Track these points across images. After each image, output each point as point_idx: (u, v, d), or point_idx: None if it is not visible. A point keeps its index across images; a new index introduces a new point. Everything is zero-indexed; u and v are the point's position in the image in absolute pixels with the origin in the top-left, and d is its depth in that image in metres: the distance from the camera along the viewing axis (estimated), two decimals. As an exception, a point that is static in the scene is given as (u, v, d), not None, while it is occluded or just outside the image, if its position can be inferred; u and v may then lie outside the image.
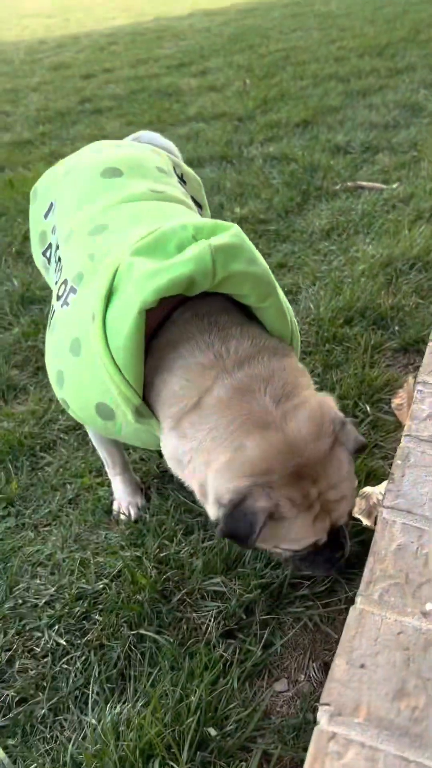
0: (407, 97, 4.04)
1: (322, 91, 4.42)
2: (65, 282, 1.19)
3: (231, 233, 1.01)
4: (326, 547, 1.05)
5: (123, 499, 1.45)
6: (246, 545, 0.99)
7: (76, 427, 1.70)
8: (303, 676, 1.10)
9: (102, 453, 1.45)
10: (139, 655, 1.15)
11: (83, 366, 1.09)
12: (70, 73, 6.10)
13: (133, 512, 1.42)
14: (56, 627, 1.21)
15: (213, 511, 1.02)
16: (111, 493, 1.48)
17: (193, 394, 1.03)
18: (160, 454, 1.32)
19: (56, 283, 1.26)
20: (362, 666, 0.75)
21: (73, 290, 1.15)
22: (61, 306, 1.17)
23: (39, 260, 1.49)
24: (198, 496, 1.08)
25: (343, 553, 1.09)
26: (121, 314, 0.98)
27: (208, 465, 1.01)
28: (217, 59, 5.83)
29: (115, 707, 1.06)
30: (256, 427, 0.99)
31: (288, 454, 0.97)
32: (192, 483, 1.07)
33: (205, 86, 4.99)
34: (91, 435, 1.44)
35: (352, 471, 1.03)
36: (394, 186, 2.84)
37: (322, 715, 0.71)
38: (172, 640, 1.16)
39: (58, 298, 1.20)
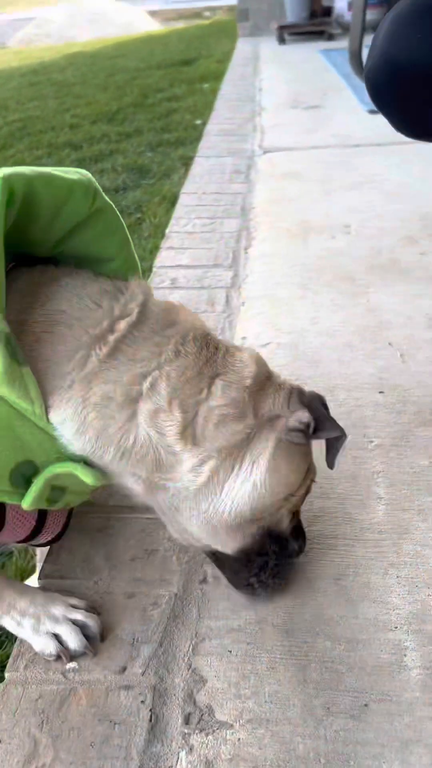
0: (134, 160, 4.35)
1: (56, 160, 4.59)
2: None
3: None
4: (296, 530, 0.99)
5: None
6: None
7: None
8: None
9: None
10: None
11: None
12: None
13: None
14: None
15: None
16: None
17: (103, 319, 0.85)
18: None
19: None
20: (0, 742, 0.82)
21: None
22: None
23: None
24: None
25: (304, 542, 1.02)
26: None
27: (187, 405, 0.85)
28: None
29: None
30: (225, 345, 0.92)
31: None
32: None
33: None
34: None
35: None
36: (119, 249, 3.04)
37: None
38: None
39: None
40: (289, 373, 1.52)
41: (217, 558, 0.97)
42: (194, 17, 14.43)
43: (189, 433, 0.83)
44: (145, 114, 5.53)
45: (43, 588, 1.03)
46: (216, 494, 0.85)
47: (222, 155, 3.23)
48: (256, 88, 4.65)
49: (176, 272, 2.05)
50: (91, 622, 0.97)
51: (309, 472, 0.96)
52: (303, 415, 0.89)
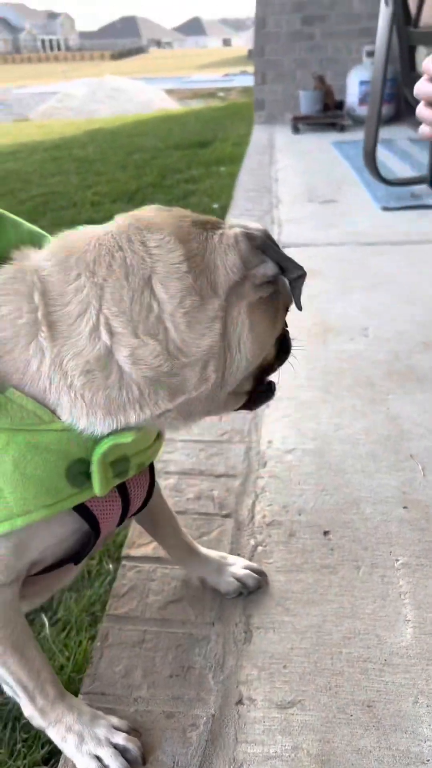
0: (154, 242, 4.53)
1: (78, 237, 4.77)
2: None
3: None
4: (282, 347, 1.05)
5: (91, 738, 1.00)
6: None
7: None
8: None
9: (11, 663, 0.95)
10: None
11: None
12: None
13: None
14: None
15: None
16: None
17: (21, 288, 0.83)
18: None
19: None
20: None
21: None
22: None
23: None
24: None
25: None
26: None
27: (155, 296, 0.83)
28: (-20, 205, 6.03)
29: None
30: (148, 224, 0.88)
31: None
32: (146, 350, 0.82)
33: (-34, 234, 5.12)
34: None
35: None
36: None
37: None
38: None
39: None
40: (315, 481, 1.59)
41: None
42: (208, 97, 15.20)
43: (173, 348, 0.83)
44: (163, 194, 5.77)
45: (87, 704, 1.06)
46: (220, 388, 0.89)
47: (242, 247, 3.38)
48: (272, 179, 4.88)
49: (202, 369, 2.14)
50: (131, 746, 0.99)
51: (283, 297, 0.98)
52: (267, 268, 0.90)
